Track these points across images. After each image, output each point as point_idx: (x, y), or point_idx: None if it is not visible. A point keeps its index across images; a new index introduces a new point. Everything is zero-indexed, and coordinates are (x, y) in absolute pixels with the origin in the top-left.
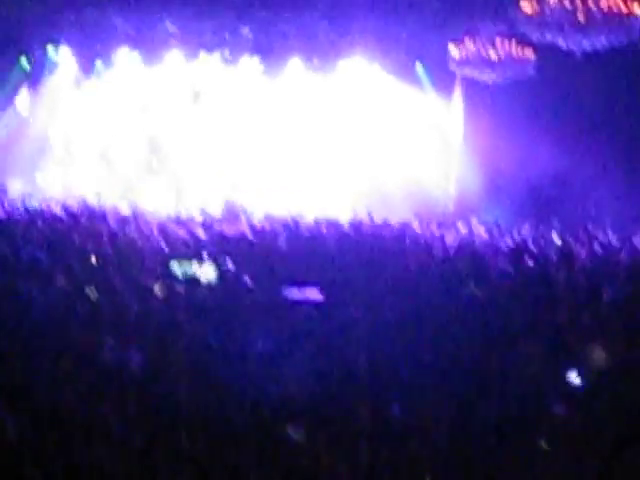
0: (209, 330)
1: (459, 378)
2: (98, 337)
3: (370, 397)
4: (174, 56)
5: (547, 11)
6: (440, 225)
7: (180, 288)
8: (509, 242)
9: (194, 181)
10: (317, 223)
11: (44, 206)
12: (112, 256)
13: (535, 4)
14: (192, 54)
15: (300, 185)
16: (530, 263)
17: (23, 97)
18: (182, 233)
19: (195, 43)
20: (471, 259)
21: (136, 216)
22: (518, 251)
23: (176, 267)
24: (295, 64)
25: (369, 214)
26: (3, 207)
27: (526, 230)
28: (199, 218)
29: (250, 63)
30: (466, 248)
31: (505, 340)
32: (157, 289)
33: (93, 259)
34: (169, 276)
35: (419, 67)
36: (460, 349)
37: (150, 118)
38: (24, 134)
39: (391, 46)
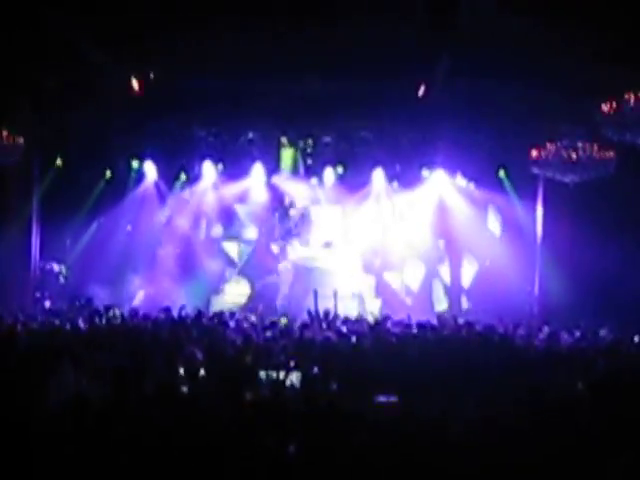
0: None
1: None
2: None
3: None
4: (258, 169)
5: (627, 111)
6: (526, 328)
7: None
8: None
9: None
10: (403, 324)
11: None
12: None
13: (615, 105)
14: (274, 167)
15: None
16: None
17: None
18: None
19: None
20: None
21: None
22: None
23: (263, 374)
24: (378, 174)
25: (454, 317)
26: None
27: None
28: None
29: (332, 173)
30: (556, 351)
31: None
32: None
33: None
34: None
35: (501, 172)
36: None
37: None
38: (110, 244)
39: (473, 154)
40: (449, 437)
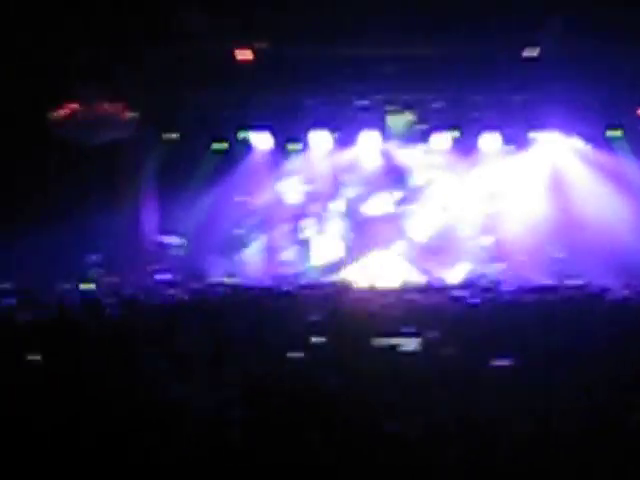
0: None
1: None
2: None
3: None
4: (368, 136)
5: None
6: None
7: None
8: None
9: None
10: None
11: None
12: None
13: None
14: (385, 133)
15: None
16: None
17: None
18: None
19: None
20: None
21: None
22: None
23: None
24: (490, 138)
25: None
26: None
27: None
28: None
29: (444, 139)
30: None
31: None
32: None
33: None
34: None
35: (614, 131)
36: None
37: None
38: (225, 215)
39: (585, 114)
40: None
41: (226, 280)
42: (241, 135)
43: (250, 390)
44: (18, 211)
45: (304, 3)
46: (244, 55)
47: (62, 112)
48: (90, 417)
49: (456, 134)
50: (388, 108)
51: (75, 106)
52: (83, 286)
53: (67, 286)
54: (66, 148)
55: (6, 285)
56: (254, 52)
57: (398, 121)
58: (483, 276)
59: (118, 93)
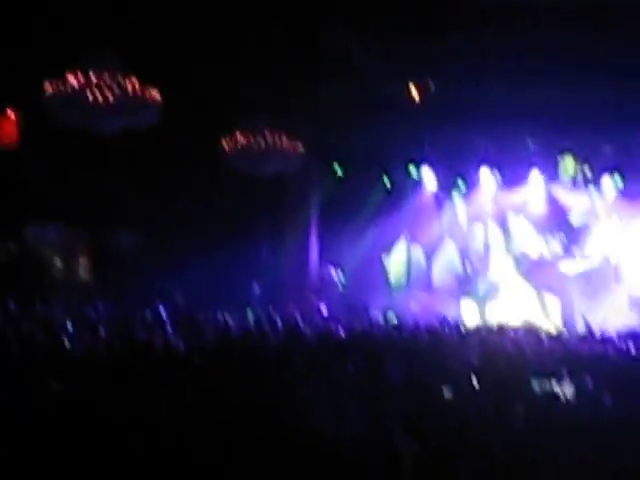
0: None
1: None
2: None
3: None
4: (535, 176)
5: None
6: None
7: (539, 405)
8: None
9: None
10: None
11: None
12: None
13: None
14: (552, 175)
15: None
16: None
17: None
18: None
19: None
20: None
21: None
22: None
23: (536, 384)
24: None
25: None
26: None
27: None
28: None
29: (610, 182)
30: None
31: None
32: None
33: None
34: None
35: None
36: None
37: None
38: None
39: None
40: None
41: (387, 317)
42: (409, 171)
43: (408, 426)
44: (189, 238)
45: (476, 45)
46: (415, 93)
47: (234, 143)
48: (242, 437)
49: (621, 179)
50: (559, 150)
51: (247, 137)
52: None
53: (231, 314)
54: (237, 178)
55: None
56: (426, 90)
57: (567, 163)
58: None
59: (289, 126)
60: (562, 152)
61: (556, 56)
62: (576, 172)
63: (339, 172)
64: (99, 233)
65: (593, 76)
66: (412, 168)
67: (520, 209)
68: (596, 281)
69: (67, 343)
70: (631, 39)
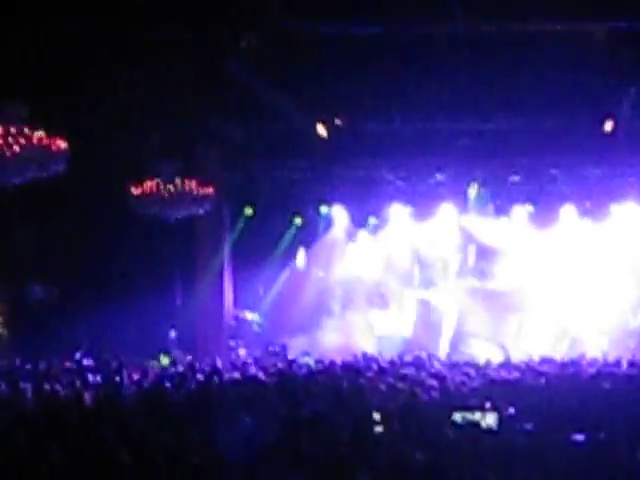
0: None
1: None
2: None
3: None
4: (445, 210)
5: None
6: None
7: (461, 435)
8: None
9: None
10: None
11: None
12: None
13: None
14: (463, 207)
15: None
16: None
17: (300, 255)
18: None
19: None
20: None
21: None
22: None
23: (458, 415)
24: (567, 211)
25: None
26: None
27: None
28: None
29: (521, 212)
30: None
31: None
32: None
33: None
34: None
35: None
36: None
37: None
38: (303, 291)
39: None
40: None
41: (305, 359)
42: (320, 210)
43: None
44: (102, 287)
45: (382, 80)
46: (322, 130)
47: (142, 189)
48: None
49: (531, 207)
50: (467, 182)
51: (154, 183)
52: (162, 361)
53: (150, 362)
54: (146, 224)
55: (90, 361)
56: (333, 127)
57: (476, 194)
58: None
59: (198, 170)
60: (471, 183)
61: (463, 90)
62: (486, 202)
63: (250, 213)
64: (12, 286)
65: (501, 109)
66: (323, 206)
67: (432, 241)
68: (504, 304)
69: None
70: (538, 74)
